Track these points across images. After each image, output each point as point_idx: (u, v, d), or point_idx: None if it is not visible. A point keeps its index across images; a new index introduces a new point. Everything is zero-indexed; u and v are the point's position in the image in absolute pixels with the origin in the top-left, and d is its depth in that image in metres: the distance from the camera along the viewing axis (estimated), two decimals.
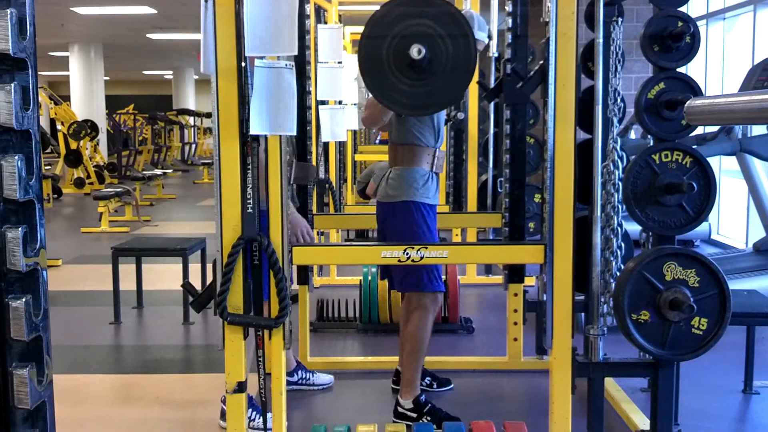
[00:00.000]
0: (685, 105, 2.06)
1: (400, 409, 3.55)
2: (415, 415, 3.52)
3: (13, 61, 1.30)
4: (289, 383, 3.93)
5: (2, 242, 1.32)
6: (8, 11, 1.26)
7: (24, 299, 1.35)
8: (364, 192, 9.87)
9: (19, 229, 1.32)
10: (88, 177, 14.39)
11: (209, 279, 2.80)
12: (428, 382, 3.97)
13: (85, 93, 17.91)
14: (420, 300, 3.52)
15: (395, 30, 2.53)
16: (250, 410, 3.45)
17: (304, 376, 4.05)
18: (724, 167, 8.04)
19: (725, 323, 2.81)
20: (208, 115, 21.71)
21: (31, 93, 1.32)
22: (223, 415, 3.49)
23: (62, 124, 14.28)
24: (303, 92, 4.02)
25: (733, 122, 1.90)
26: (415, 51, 2.48)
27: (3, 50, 1.27)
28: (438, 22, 2.54)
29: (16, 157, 1.30)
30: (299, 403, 3.85)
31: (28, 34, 1.31)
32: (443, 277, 3.96)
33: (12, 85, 1.29)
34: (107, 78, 20.61)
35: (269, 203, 2.75)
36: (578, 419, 2.93)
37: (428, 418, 3.48)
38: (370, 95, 3.24)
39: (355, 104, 6.18)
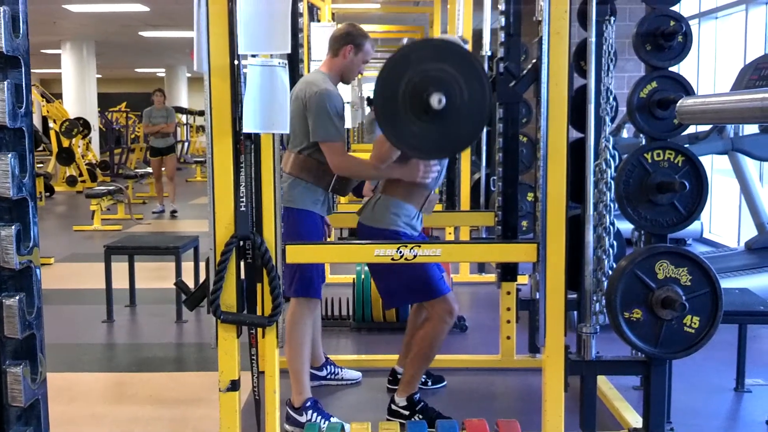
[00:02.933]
0: (677, 104, 2.07)
1: (393, 407, 3.56)
2: (407, 413, 3.52)
3: (6, 59, 1.30)
4: (317, 378, 3.96)
5: None
6: (1, 9, 1.26)
7: (17, 297, 1.35)
8: (357, 190, 9.88)
9: (13, 227, 1.32)
10: (81, 175, 14.35)
11: (202, 277, 2.80)
12: (423, 380, 3.97)
13: (78, 91, 17.85)
14: (434, 307, 3.47)
15: (412, 74, 2.55)
16: (314, 413, 3.47)
17: (332, 371, 4.08)
18: (716, 166, 8.07)
19: (717, 321, 2.82)
20: (201, 113, 21.65)
21: (24, 91, 1.32)
22: (288, 419, 3.51)
23: (54, 121, 14.24)
24: None
25: (725, 121, 1.91)
26: (436, 100, 2.49)
27: None
28: (455, 68, 2.55)
29: (10, 155, 1.30)
30: None
31: (21, 32, 1.30)
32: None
33: (5, 83, 1.29)
34: (99, 76, 20.55)
35: (262, 201, 2.75)
36: (571, 417, 2.94)
37: (420, 417, 3.49)
38: (379, 133, 3.25)
39: (348, 102, 6.18)
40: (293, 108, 3.35)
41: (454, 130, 2.59)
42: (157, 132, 10.72)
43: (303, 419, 3.45)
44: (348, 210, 6.86)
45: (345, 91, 6.17)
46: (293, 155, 3.48)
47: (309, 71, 4.63)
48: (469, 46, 5.56)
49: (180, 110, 22.48)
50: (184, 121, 23.12)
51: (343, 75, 3.58)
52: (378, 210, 3.47)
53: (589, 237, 3.02)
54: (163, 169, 10.92)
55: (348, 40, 3.52)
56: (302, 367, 3.55)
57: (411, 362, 3.57)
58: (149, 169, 12.71)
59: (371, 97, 15.53)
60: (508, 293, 4.21)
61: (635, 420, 3.38)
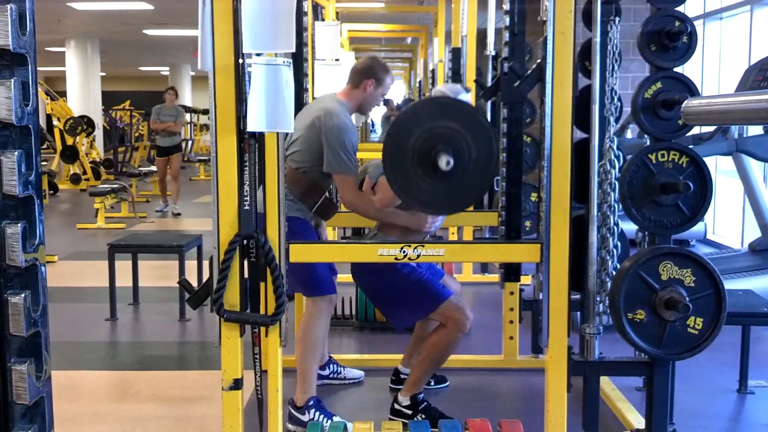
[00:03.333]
0: (683, 105, 2.07)
1: (396, 406, 3.56)
2: (410, 412, 3.52)
3: (13, 56, 1.30)
4: (320, 377, 3.97)
5: (2, 238, 1.32)
6: (8, 7, 1.26)
7: (23, 295, 1.35)
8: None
9: (19, 224, 1.32)
10: (84, 173, 14.36)
11: (206, 276, 2.80)
12: None
13: (82, 89, 17.86)
14: (447, 317, 3.45)
15: (421, 132, 2.59)
16: (317, 412, 3.47)
17: (335, 370, 4.09)
18: (720, 167, 8.06)
19: (721, 323, 2.82)
20: (205, 112, 21.68)
21: (30, 89, 1.32)
22: (291, 418, 3.51)
23: (58, 119, 14.25)
24: (300, 89, 4.02)
25: (730, 122, 1.90)
26: (444, 162, 2.54)
27: (3, 46, 1.27)
28: (463, 126, 2.59)
29: (16, 153, 1.30)
30: None
31: (28, 29, 1.30)
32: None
33: (12, 80, 1.29)
34: (104, 74, 20.57)
35: (266, 200, 2.75)
36: (574, 418, 2.93)
37: (422, 416, 3.49)
38: (383, 179, 3.30)
39: None
40: (309, 132, 3.43)
41: (463, 187, 2.65)
42: (163, 130, 10.71)
43: (305, 418, 3.46)
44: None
45: None
46: (289, 168, 3.49)
47: (313, 70, 4.63)
48: (471, 94, 5.60)
49: (184, 109, 22.49)
50: (188, 120, 23.12)
51: (361, 107, 3.66)
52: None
53: (593, 237, 3.02)
54: (168, 167, 10.89)
55: (370, 74, 3.57)
56: (312, 367, 3.56)
57: (420, 364, 3.57)
58: (153, 168, 12.73)
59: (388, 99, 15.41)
60: (511, 293, 4.21)
61: (638, 421, 3.37)
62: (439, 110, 2.69)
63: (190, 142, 23.32)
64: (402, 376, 3.91)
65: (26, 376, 1.35)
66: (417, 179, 2.63)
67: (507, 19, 3.90)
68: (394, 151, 2.64)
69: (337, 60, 4.80)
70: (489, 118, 6.04)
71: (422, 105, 2.69)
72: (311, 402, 3.50)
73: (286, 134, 2.98)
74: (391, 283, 3.46)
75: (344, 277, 6.30)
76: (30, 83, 1.32)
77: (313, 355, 3.56)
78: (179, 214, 11.06)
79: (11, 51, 1.28)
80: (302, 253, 2.97)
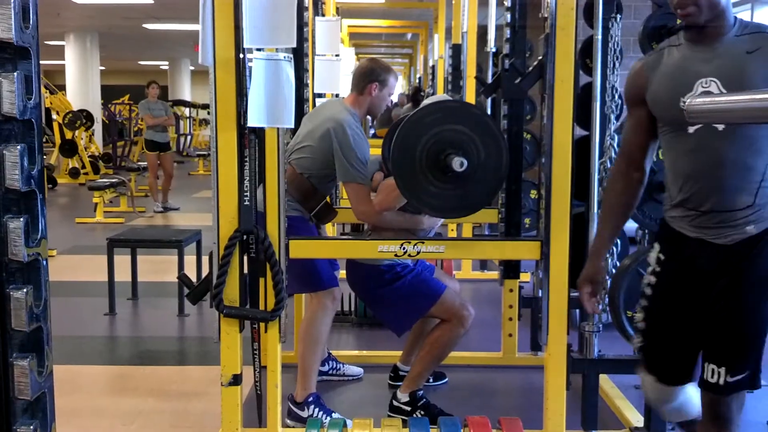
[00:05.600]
0: (686, 104, 2.07)
1: (395, 403, 3.56)
2: (409, 408, 3.52)
3: (16, 50, 1.30)
4: (319, 373, 3.96)
5: (4, 232, 1.32)
6: (12, 0, 1.25)
7: (25, 290, 1.35)
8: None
9: (21, 219, 1.32)
10: (83, 167, 14.33)
11: (205, 271, 2.81)
12: None
13: (81, 83, 17.83)
14: (447, 313, 3.48)
15: (429, 136, 2.58)
16: (316, 408, 3.47)
17: (334, 366, 4.09)
18: None
19: None
20: (204, 107, 21.62)
21: (33, 83, 1.32)
22: (290, 413, 3.52)
23: (57, 113, 14.21)
24: (300, 85, 4.01)
25: (734, 121, 1.90)
26: (458, 164, 2.52)
27: (6, 39, 1.26)
28: (473, 130, 2.58)
29: (19, 147, 1.30)
30: None
31: (31, 23, 1.30)
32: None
33: (15, 74, 1.28)
34: (103, 68, 20.53)
35: (266, 196, 2.75)
36: (572, 415, 2.94)
37: (421, 413, 3.49)
38: (385, 180, 3.34)
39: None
40: (321, 144, 3.43)
41: (473, 190, 2.64)
42: (158, 125, 10.65)
43: (305, 414, 3.46)
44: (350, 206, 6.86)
45: (349, 85, 6.16)
46: (293, 171, 3.49)
47: (313, 66, 4.62)
48: (471, 91, 5.59)
49: (183, 103, 22.47)
50: (187, 114, 23.10)
51: (370, 111, 3.67)
52: None
53: (593, 235, 3.02)
54: (158, 163, 10.72)
55: (372, 78, 3.58)
56: (313, 363, 3.57)
57: (420, 361, 3.57)
58: None
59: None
60: (511, 291, 4.21)
61: (636, 419, 3.38)
62: (445, 114, 2.68)
63: (189, 137, 23.29)
64: (401, 373, 3.91)
65: (28, 372, 1.35)
66: (427, 184, 2.63)
67: (508, 16, 3.89)
68: (403, 158, 2.63)
69: (337, 56, 4.80)
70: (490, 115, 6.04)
71: (427, 110, 2.67)
72: (311, 398, 3.50)
73: (287, 129, 2.98)
74: (385, 288, 3.48)
75: (343, 273, 6.31)
76: (33, 77, 1.32)
77: (315, 351, 3.56)
78: (174, 209, 10.93)
79: (14, 44, 1.28)
80: (302, 248, 2.97)
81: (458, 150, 2.56)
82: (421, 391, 3.57)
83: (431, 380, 3.99)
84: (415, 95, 12.27)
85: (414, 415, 3.49)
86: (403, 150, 2.63)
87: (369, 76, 3.57)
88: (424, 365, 3.55)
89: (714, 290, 2.18)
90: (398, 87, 24.55)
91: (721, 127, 2.08)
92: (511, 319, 4.24)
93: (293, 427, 3.48)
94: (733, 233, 2.13)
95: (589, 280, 2.41)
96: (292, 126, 2.69)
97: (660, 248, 2.31)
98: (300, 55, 4.14)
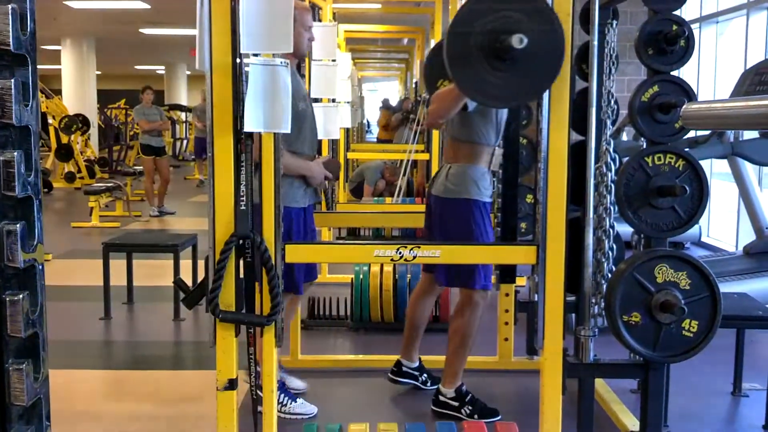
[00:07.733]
0: (682, 109, 2.08)
1: (441, 398, 3.63)
2: (456, 404, 3.62)
3: (13, 56, 1.30)
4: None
5: (1, 238, 1.32)
6: (9, 7, 1.26)
7: (21, 296, 1.35)
8: (355, 191, 9.90)
9: (18, 225, 1.32)
10: (79, 171, 14.32)
11: (200, 275, 2.80)
12: (422, 380, 3.99)
13: (77, 87, 17.83)
14: (471, 296, 3.61)
15: (485, 22, 2.52)
16: (282, 394, 3.51)
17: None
18: (715, 170, 8.08)
19: (716, 326, 2.82)
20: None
21: (30, 89, 1.32)
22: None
23: (53, 118, 14.20)
24: None
25: (729, 127, 1.91)
26: (517, 40, 2.44)
27: (4, 45, 1.26)
28: (528, 16, 2.53)
29: (15, 154, 1.30)
30: None
31: (28, 29, 1.30)
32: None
33: (12, 80, 1.28)
34: (99, 72, 20.52)
35: (263, 201, 2.74)
36: (568, 420, 2.94)
37: (470, 408, 3.59)
38: (438, 91, 3.37)
39: (348, 102, 6.18)
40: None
41: (531, 74, 2.57)
42: (154, 129, 10.66)
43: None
44: (347, 210, 6.87)
45: (346, 90, 6.17)
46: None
47: (310, 71, 4.63)
48: None
49: (179, 108, 22.46)
50: (183, 119, 23.08)
51: (295, 53, 3.53)
52: (452, 180, 3.57)
53: (589, 240, 3.02)
54: (154, 167, 10.72)
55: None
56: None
57: (453, 354, 3.66)
58: None
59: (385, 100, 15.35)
60: (507, 295, 4.21)
61: (632, 423, 3.38)
62: (492, 1, 2.56)
63: (185, 142, 23.27)
64: (404, 369, 3.94)
65: (24, 377, 1.35)
66: (483, 73, 2.54)
67: None
68: (456, 49, 2.53)
69: (333, 61, 4.79)
70: None
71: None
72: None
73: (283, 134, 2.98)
74: (470, 235, 3.53)
75: (339, 277, 6.33)
76: (30, 84, 1.32)
77: None
78: (163, 215, 10.92)
79: (12, 51, 1.28)
80: (298, 253, 2.97)
81: (514, 31, 2.48)
82: (465, 387, 3.66)
83: (429, 385, 4.00)
84: (405, 118, 12.33)
85: (462, 411, 3.59)
86: (456, 43, 2.52)
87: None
88: (459, 356, 3.65)
89: None
90: (396, 92, 24.55)
91: None
92: (507, 323, 4.25)
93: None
94: None
95: None
96: (289, 131, 2.69)
97: None
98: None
